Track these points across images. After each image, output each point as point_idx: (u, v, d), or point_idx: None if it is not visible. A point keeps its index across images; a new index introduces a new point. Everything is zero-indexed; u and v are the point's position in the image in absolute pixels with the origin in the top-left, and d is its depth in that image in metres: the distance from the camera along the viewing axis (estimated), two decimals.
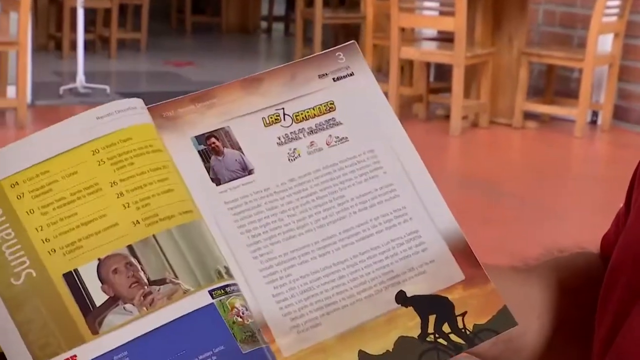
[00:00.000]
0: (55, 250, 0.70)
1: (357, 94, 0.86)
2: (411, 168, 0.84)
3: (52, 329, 0.69)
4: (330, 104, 0.85)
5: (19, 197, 0.71)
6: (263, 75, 0.84)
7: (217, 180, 0.79)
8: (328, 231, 0.80)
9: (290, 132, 0.83)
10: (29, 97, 6.80)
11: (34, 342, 0.68)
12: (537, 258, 0.98)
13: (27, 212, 0.71)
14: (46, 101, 7.32)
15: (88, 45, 8.93)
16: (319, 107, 0.84)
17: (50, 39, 10.35)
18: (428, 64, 7.52)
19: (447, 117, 6.98)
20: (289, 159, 0.82)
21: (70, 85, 7.77)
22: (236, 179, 0.80)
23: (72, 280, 0.70)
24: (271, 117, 0.83)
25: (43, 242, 0.71)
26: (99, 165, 0.74)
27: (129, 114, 0.76)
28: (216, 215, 0.78)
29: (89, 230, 0.71)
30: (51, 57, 9.85)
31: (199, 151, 0.80)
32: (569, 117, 7.09)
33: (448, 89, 7.09)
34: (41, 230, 0.71)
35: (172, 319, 0.70)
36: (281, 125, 0.83)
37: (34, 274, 0.70)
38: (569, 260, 0.98)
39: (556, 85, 7.44)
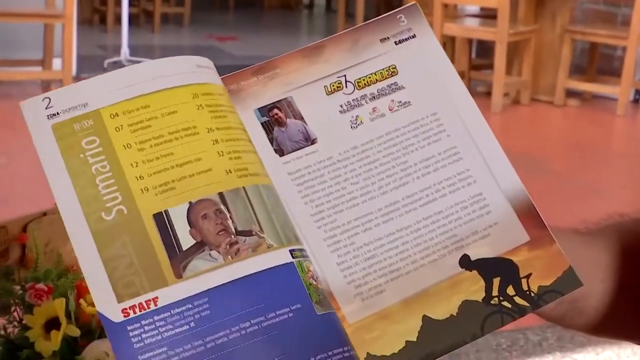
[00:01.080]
0: (148, 189, 0.69)
1: (419, 56, 0.85)
2: (475, 129, 0.83)
3: (137, 269, 0.68)
4: (393, 68, 0.84)
5: (117, 129, 0.70)
6: (325, 43, 0.83)
7: (280, 152, 0.79)
8: (391, 197, 0.79)
9: (353, 100, 0.82)
10: (74, 70, 6.85)
11: (118, 280, 0.67)
12: (597, 222, 0.97)
13: (124, 146, 0.70)
14: (91, 74, 7.32)
15: (132, 19, 8.96)
16: (381, 72, 0.83)
17: (95, 12, 10.40)
18: (470, 41, 7.47)
19: (488, 93, 6.94)
20: (351, 127, 0.81)
21: (115, 59, 7.81)
22: (299, 149, 0.79)
23: (162, 221, 0.69)
24: (333, 85, 0.82)
25: (137, 179, 0.69)
26: (198, 109, 0.73)
27: (217, 74, 0.77)
28: (280, 186, 0.77)
29: (183, 172, 0.70)
30: (96, 31, 9.91)
31: (262, 123, 0.80)
32: (611, 95, 7.02)
33: (490, 66, 7.04)
34: (136, 166, 0.70)
35: (254, 272, 0.69)
36: (343, 93, 0.82)
37: (125, 211, 0.69)
38: (630, 225, 0.97)
39: (599, 63, 7.36)
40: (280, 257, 0.71)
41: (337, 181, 0.79)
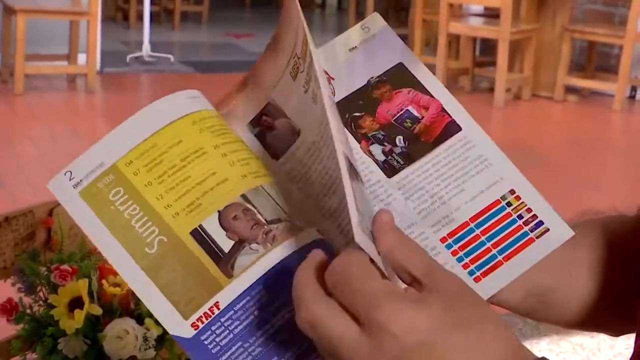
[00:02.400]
0: (178, 213, 0.71)
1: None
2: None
3: (191, 284, 0.70)
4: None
5: (135, 173, 0.72)
6: (277, 34, 0.80)
7: (275, 156, 0.78)
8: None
9: (306, 74, 0.78)
10: (98, 65, 6.86)
11: (179, 301, 0.69)
12: (571, 219, 0.95)
13: (145, 185, 0.72)
14: (114, 68, 7.38)
15: (153, 17, 8.97)
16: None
17: (119, 10, 10.41)
18: (474, 39, 7.45)
19: (491, 89, 6.92)
20: (313, 102, 0.78)
21: (137, 54, 7.82)
22: (290, 146, 0.78)
23: (199, 235, 0.71)
24: (294, 69, 0.79)
25: (166, 208, 0.71)
26: (200, 132, 0.74)
27: (207, 101, 0.78)
28: (281, 186, 0.76)
29: (203, 188, 0.72)
30: (119, 28, 9.92)
31: (255, 135, 0.78)
32: (608, 92, 7.00)
33: (493, 63, 7.03)
34: (161, 198, 0.72)
35: (294, 250, 0.71)
36: (300, 71, 0.79)
37: (165, 240, 0.71)
38: (604, 222, 0.95)
39: (597, 60, 7.34)
40: (312, 234, 0.72)
41: (323, 165, 0.76)
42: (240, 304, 0.69)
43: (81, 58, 6.71)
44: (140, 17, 8.74)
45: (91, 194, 0.72)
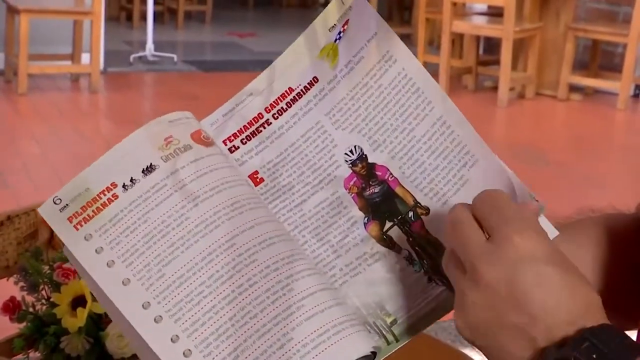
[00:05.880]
0: None
1: None
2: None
3: None
4: None
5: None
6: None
7: None
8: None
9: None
10: (101, 64, 6.86)
11: None
12: (568, 217, 0.94)
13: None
14: (117, 68, 7.38)
15: (157, 17, 8.97)
16: None
17: (122, 10, 10.41)
18: (478, 37, 7.44)
19: (495, 88, 6.91)
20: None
21: (140, 54, 7.82)
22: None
23: None
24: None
25: None
26: None
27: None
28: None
29: None
30: (122, 27, 9.92)
31: None
32: (612, 90, 6.99)
33: (496, 62, 7.02)
34: None
35: None
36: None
37: None
38: (603, 220, 0.95)
39: (601, 59, 7.33)
40: None
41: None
42: None
43: (85, 58, 6.72)
44: (143, 17, 8.75)
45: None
